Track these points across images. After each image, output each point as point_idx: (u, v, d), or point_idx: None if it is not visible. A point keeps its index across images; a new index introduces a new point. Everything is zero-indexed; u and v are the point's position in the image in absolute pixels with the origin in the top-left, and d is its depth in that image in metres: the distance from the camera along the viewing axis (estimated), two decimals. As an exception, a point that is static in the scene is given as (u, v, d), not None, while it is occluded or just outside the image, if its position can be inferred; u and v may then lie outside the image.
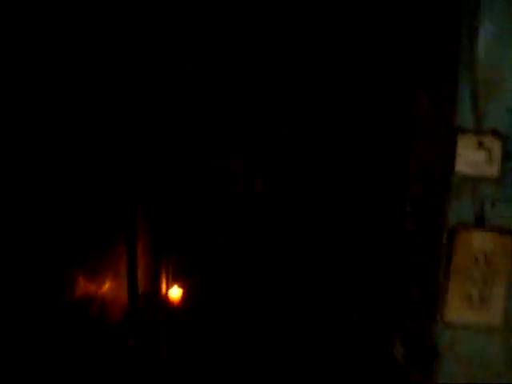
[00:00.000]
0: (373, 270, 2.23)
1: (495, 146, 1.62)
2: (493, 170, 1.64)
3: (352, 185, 3.03)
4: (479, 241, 1.69)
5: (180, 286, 3.67)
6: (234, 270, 3.93)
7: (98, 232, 2.87)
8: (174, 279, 3.68)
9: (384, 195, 2.05)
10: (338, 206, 3.30)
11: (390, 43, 2.13)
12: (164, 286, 3.61)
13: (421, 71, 1.64)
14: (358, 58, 2.62)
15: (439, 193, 1.69)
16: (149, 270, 3.45)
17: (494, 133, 1.63)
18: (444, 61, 1.64)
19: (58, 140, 2.49)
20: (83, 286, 2.79)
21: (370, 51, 2.49)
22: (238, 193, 3.85)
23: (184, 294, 3.67)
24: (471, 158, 1.65)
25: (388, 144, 2.07)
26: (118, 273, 3.16)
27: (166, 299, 3.61)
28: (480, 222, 1.69)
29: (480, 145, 1.64)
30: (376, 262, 2.15)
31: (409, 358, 1.71)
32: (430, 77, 1.64)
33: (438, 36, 1.63)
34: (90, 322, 2.83)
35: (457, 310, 1.74)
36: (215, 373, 3.72)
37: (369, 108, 2.54)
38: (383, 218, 2.03)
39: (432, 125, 1.64)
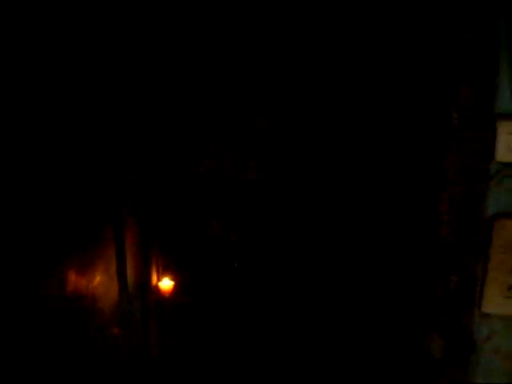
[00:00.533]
0: (402, 265, 2.17)
1: (538, 132, 1.56)
2: (534, 157, 1.58)
3: (380, 173, 2.96)
4: (518, 230, 1.64)
5: (171, 278, 3.60)
6: (226, 261, 3.85)
7: (87, 226, 2.78)
8: (165, 271, 3.61)
9: (417, 184, 1.99)
10: (354, 194, 3.24)
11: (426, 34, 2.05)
12: (154, 278, 3.52)
13: (462, 61, 1.57)
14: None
15: (478, 181, 1.63)
16: (139, 262, 3.37)
17: (537, 118, 1.57)
18: (484, 50, 1.57)
19: (45, 134, 2.37)
20: (74, 281, 2.68)
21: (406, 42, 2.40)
22: (228, 180, 3.77)
23: (175, 285, 3.60)
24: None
25: (423, 131, 2.00)
26: (108, 266, 3.09)
27: (156, 291, 3.52)
28: (520, 211, 1.65)
29: (521, 131, 1.58)
30: (409, 255, 2.09)
31: (446, 351, 1.65)
32: (470, 66, 1.58)
33: (477, 23, 1.57)
34: (82, 316, 2.75)
35: (495, 300, 1.69)
36: (207, 366, 3.68)
37: (403, 96, 2.47)
38: (416, 208, 1.96)
39: (472, 113, 1.58)
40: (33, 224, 2.35)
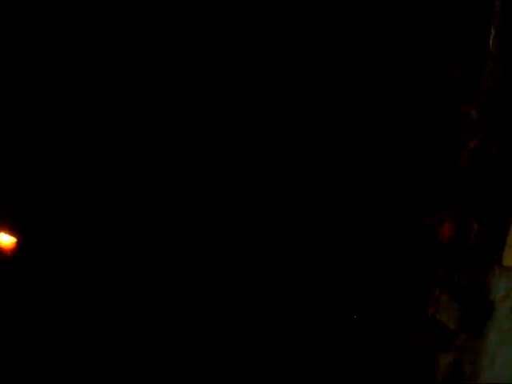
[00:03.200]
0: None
1: None
2: None
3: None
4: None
5: (10, 233, 2.93)
6: (76, 214, 3.25)
7: None
8: (2, 226, 2.93)
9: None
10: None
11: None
12: (-9, 234, 2.82)
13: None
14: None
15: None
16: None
17: None
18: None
19: None
20: None
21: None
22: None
23: (16, 241, 2.94)
24: None
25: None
26: None
27: (-6, 249, 2.84)
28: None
29: None
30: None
31: (463, 316, 1.31)
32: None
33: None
34: None
35: (516, 251, 1.36)
36: (54, 326, 3.18)
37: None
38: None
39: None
40: None
